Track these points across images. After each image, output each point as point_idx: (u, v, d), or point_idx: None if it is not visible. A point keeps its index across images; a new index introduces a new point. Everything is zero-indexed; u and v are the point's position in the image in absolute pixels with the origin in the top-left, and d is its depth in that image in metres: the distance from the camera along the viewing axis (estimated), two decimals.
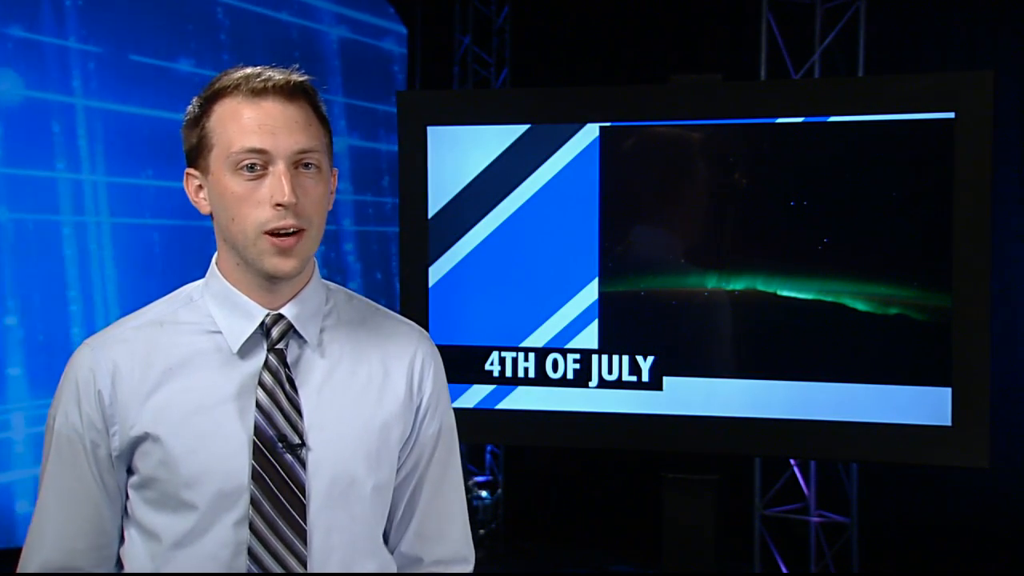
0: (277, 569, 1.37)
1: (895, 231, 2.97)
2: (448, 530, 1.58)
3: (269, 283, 1.42)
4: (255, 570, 1.37)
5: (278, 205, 1.35)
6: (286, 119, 1.37)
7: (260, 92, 1.37)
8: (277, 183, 1.35)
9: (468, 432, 3.29)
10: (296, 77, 1.40)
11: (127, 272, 4.38)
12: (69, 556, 1.42)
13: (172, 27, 4.58)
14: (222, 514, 1.37)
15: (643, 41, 5.02)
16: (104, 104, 4.32)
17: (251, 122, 1.36)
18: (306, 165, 1.39)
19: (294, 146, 1.37)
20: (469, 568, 1.60)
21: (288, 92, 1.39)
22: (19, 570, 1.44)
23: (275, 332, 1.43)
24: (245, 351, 1.42)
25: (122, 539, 1.45)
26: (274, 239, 1.36)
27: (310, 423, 1.42)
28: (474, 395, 3.20)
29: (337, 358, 1.47)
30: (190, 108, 1.43)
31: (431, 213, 3.21)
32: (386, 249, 5.58)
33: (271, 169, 1.36)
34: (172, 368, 1.41)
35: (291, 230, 1.36)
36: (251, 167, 1.36)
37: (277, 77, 1.39)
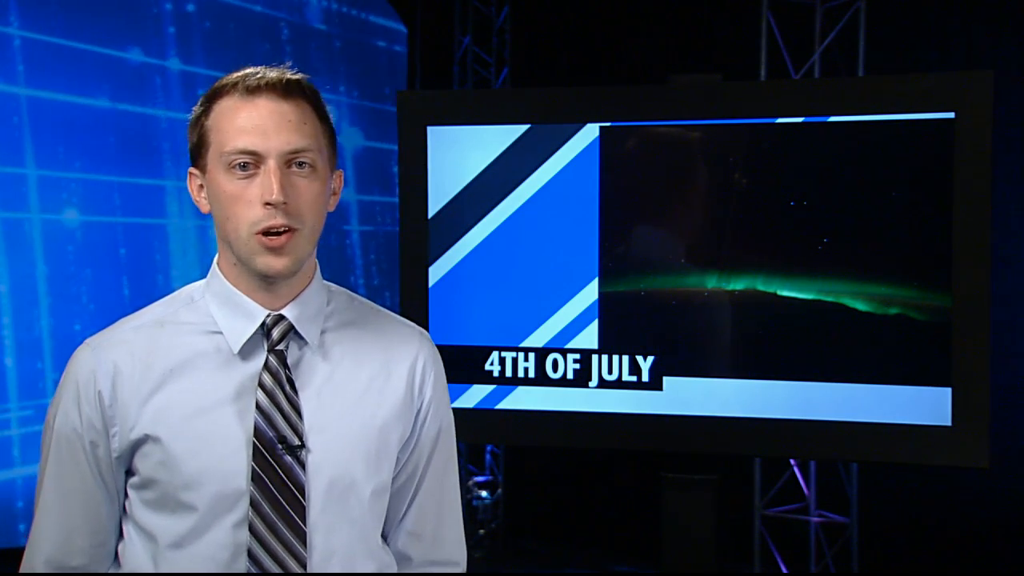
0: (277, 571, 1.37)
1: (895, 231, 2.97)
2: (444, 532, 1.58)
3: (265, 282, 1.42)
4: (255, 572, 1.37)
5: (267, 204, 1.35)
6: (279, 117, 1.37)
7: (255, 90, 1.38)
8: (267, 182, 1.35)
9: (468, 432, 3.30)
10: (291, 75, 1.40)
11: (57, 270, 4.17)
12: (69, 554, 1.43)
13: (148, 19, 4.46)
14: (221, 515, 1.37)
15: (643, 41, 5.02)
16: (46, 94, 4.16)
17: (244, 121, 1.37)
18: (299, 164, 1.38)
19: (285, 146, 1.37)
20: (460, 571, 1.60)
21: (283, 89, 1.38)
22: (22, 569, 1.45)
23: (276, 333, 1.43)
24: (246, 352, 1.42)
25: (121, 536, 1.45)
26: (264, 238, 1.36)
27: (310, 425, 1.41)
28: (474, 395, 3.20)
29: (338, 359, 1.47)
30: (194, 108, 1.44)
31: (431, 213, 3.21)
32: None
33: (262, 168, 1.36)
34: (172, 369, 1.41)
35: (281, 229, 1.36)
36: (243, 166, 1.36)
37: (272, 75, 1.39)
